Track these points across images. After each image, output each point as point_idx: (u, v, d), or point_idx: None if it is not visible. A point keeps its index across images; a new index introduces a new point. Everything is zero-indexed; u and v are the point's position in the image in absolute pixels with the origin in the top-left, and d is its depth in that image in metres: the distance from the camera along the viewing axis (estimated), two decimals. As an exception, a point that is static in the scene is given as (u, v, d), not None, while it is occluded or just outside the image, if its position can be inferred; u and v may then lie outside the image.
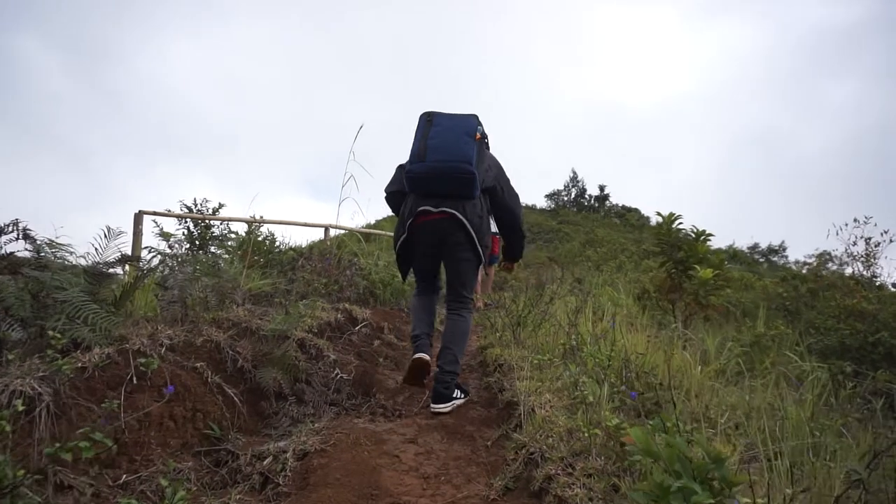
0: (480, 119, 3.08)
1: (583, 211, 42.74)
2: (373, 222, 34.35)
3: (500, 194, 3.14)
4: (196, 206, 8.13)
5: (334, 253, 5.84)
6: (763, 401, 2.73)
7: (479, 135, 2.98)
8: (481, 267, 3.21)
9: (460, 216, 2.92)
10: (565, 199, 46.70)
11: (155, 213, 6.79)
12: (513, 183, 3.25)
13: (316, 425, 2.50)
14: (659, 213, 4.24)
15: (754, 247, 38.03)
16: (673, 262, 4.24)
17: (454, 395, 2.97)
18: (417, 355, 2.93)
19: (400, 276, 3.41)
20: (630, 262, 11.36)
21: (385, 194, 3.31)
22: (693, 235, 4.17)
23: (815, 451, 2.09)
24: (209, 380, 2.45)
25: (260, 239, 9.16)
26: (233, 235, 8.53)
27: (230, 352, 2.69)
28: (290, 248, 8.74)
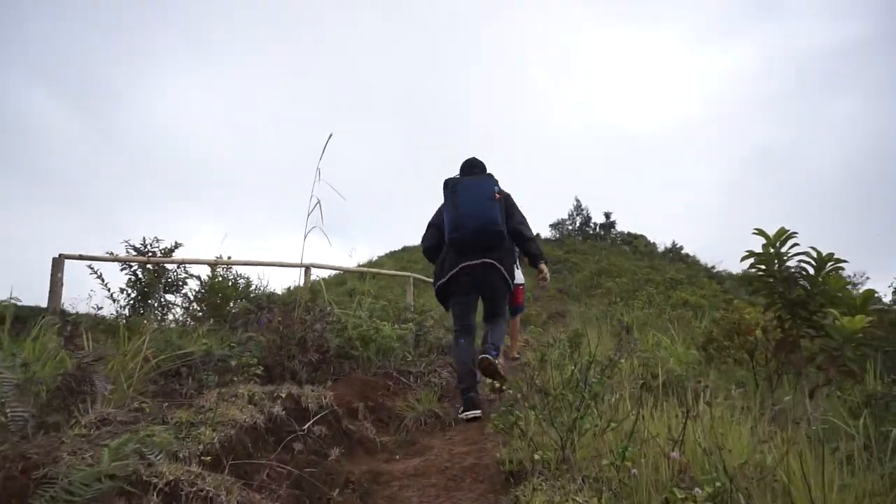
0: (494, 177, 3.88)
1: (588, 239, 41.45)
2: (375, 259, 33.15)
3: (513, 224, 3.81)
4: (146, 246, 6.75)
5: (299, 302, 4.42)
6: None
7: (497, 195, 3.70)
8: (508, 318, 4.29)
9: (496, 263, 3.68)
10: (570, 227, 45.54)
11: (81, 257, 5.41)
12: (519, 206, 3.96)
13: None
14: (760, 232, 2.82)
15: (769, 270, 36.59)
16: (784, 304, 2.83)
17: (498, 360, 3.57)
18: (470, 413, 3.43)
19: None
20: (659, 295, 9.92)
21: (423, 249, 4.08)
22: (814, 263, 2.75)
23: None
24: None
25: (229, 284, 7.79)
26: (192, 281, 7.13)
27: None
28: (265, 295, 7.35)
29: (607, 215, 43.23)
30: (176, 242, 7.06)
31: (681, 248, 40.26)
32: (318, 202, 4.49)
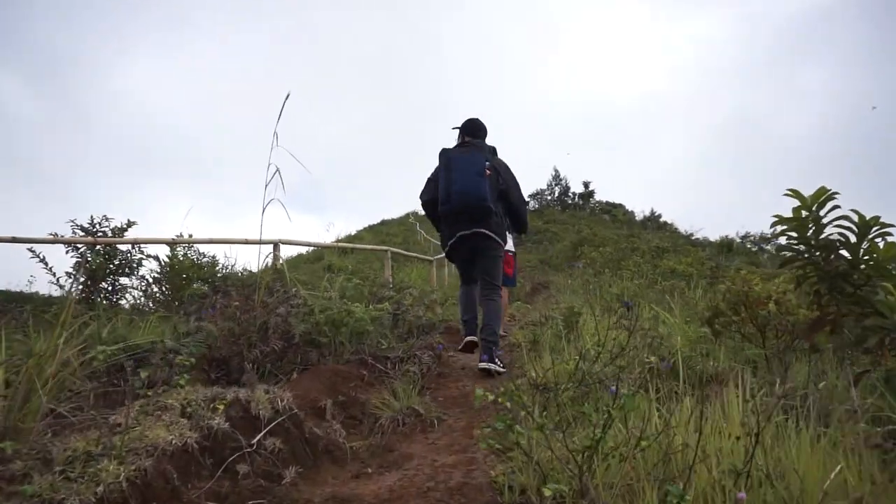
0: (487, 146, 4.33)
1: (567, 209, 41.22)
2: (353, 233, 32.51)
3: (508, 197, 4.20)
4: (94, 225, 6.14)
5: (259, 284, 3.91)
6: None
7: (488, 171, 4.01)
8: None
9: (487, 231, 4.05)
10: (548, 197, 45.24)
11: (14, 240, 4.80)
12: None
13: None
14: (795, 193, 2.36)
15: (746, 236, 36.76)
16: (820, 276, 2.40)
17: (496, 362, 3.86)
18: (469, 337, 4.08)
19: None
20: (645, 264, 9.55)
21: (421, 202, 4.45)
22: (855, 229, 2.31)
23: None
24: None
25: (191, 264, 7.22)
26: (149, 262, 6.56)
27: None
28: (222, 277, 6.81)
29: (586, 185, 43.05)
30: (129, 221, 6.46)
31: (659, 215, 40.26)
32: (277, 170, 3.97)
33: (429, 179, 4.36)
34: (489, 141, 4.47)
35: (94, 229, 6.16)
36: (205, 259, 7.50)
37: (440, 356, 3.81)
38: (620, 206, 41.97)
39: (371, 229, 34.77)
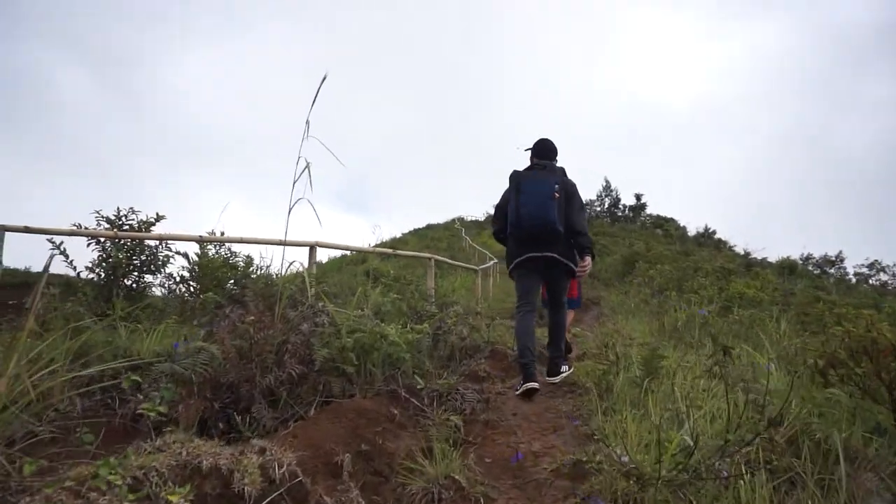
0: (558, 167, 4.28)
1: (616, 222, 39.99)
2: (398, 236, 32.17)
3: (568, 219, 4.03)
4: (119, 218, 5.74)
5: (279, 294, 3.34)
6: None
7: (556, 194, 3.94)
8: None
9: (556, 255, 4.02)
10: (598, 209, 44.08)
11: (27, 230, 4.40)
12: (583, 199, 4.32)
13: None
14: None
15: (808, 258, 34.79)
16: None
17: (562, 370, 4.14)
18: (528, 385, 3.74)
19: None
20: (712, 287, 8.66)
21: (493, 231, 4.49)
22: None
23: None
24: None
25: (222, 263, 6.77)
26: (175, 260, 6.14)
27: None
28: (252, 281, 6.33)
29: (638, 197, 41.77)
30: (158, 214, 6.04)
31: (714, 232, 38.58)
32: (308, 165, 3.41)
33: (497, 206, 4.39)
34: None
35: (120, 222, 5.75)
36: (237, 259, 7.07)
37: (488, 400, 3.15)
38: (672, 220, 40.45)
39: (416, 233, 34.41)
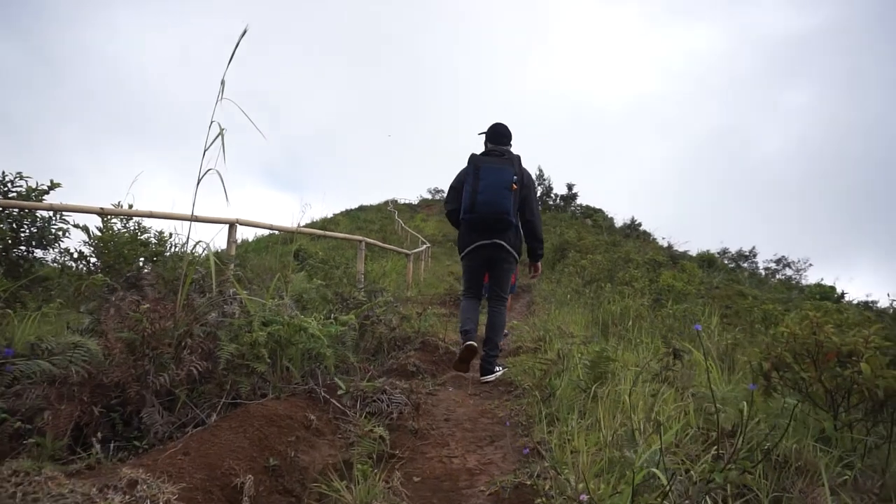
0: (515, 155, 4.21)
1: (548, 210, 40.48)
2: (329, 216, 31.27)
3: (524, 209, 4.16)
4: (4, 185, 5.03)
5: (183, 279, 2.89)
6: None
7: (514, 185, 3.99)
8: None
9: (504, 243, 4.05)
10: (530, 197, 44.25)
11: None
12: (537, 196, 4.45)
13: None
14: None
15: (724, 252, 36.40)
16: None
17: (496, 370, 4.07)
18: (468, 343, 3.93)
19: None
20: (643, 278, 8.69)
21: (446, 211, 4.39)
22: None
23: None
24: None
25: (129, 239, 6.15)
26: (74, 231, 5.50)
27: None
28: (136, 264, 5.79)
29: (570, 186, 42.34)
30: (52, 182, 5.35)
31: (639, 224, 39.73)
32: (222, 131, 2.97)
33: (452, 187, 4.33)
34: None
35: (5, 189, 5.05)
36: (148, 235, 6.45)
37: (418, 405, 2.84)
38: (601, 211, 41.31)
39: (348, 214, 33.61)
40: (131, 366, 2.59)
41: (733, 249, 36.74)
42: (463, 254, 4.19)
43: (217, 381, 2.76)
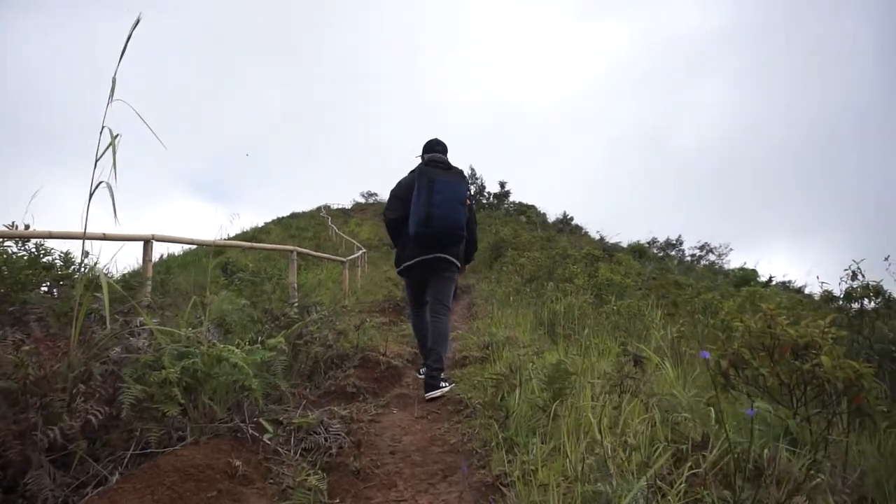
0: (465, 174, 4.29)
1: (482, 209, 40.66)
2: (260, 225, 30.13)
3: (471, 225, 4.20)
4: None
5: (77, 308, 2.46)
6: None
7: (468, 200, 4.06)
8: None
9: (452, 258, 4.04)
10: (464, 196, 44.33)
11: None
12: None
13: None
14: None
15: (653, 241, 37.55)
16: None
17: (442, 385, 3.83)
18: (433, 394, 3.75)
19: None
20: (583, 274, 8.65)
21: (386, 220, 4.28)
22: None
23: None
24: None
25: (24, 262, 5.51)
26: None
27: None
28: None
29: (502, 185, 42.65)
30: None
31: (571, 218, 40.47)
32: (116, 138, 2.58)
33: (394, 195, 4.22)
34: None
35: None
36: (50, 258, 5.82)
37: (360, 443, 2.52)
38: (534, 207, 41.81)
39: (280, 222, 32.51)
40: (12, 421, 2.18)
41: (661, 239, 37.98)
42: (402, 267, 4.11)
43: (122, 430, 2.37)
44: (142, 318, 2.71)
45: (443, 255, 3.97)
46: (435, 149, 4.26)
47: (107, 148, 2.53)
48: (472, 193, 4.72)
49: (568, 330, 5.09)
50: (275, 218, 33.88)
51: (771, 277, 17.33)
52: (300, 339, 3.97)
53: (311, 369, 4.02)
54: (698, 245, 36.61)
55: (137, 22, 2.53)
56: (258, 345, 3.04)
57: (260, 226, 29.70)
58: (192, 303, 2.97)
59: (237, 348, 2.77)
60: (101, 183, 2.44)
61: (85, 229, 2.63)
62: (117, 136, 2.56)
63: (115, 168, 2.41)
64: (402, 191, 4.15)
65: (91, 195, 2.55)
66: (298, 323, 3.97)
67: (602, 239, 32.79)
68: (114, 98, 2.50)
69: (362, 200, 42.95)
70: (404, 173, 4.28)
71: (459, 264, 4.13)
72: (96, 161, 2.50)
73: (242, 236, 22.48)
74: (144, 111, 2.54)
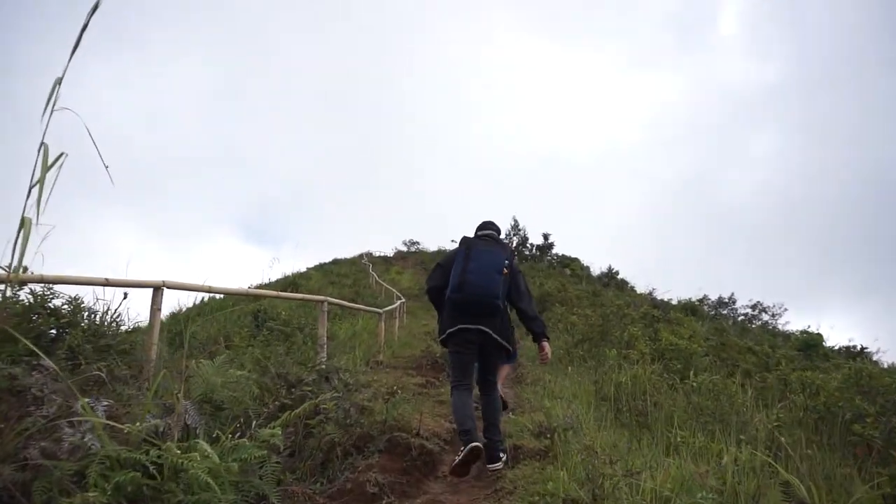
0: (510, 247, 4.32)
1: (525, 261, 39.73)
2: (302, 271, 29.89)
3: (515, 299, 3.99)
4: None
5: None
6: None
7: (506, 270, 3.90)
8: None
9: (490, 331, 3.81)
10: (507, 248, 43.56)
11: None
12: (525, 281, 4.18)
13: None
14: None
15: (703, 299, 35.72)
16: None
17: (501, 455, 3.77)
18: (473, 444, 3.51)
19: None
20: (644, 337, 7.67)
21: (427, 287, 4.29)
22: None
23: None
24: None
25: (22, 308, 4.94)
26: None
27: None
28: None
29: (546, 236, 41.72)
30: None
31: (616, 272, 39.06)
32: (62, 156, 1.94)
33: (438, 265, 4.29)
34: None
35: None
36: (58, 301, 5.26)
37: None
38: (577, 259, 40.66)
39: (321, 268, 32.23)
40: None
41: (712, 296, 36.15)
42: (445, 335, 3.94)
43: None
44: (81, 404, 1.97)
45: (485, 329, 3.78)
46: (486, 227, 4.32)
47: (51, 165, 1.88)
48: (517, 268, 4.21)
49: (636, 411, 4.17)
50: (317, 264, 33.67)
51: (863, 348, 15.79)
52: (312, 417, 3.20)
53: (324, 456, 3.23)
54: (750, 304, 34.66)
55: (96, 7, 1.90)
56: (247, 438, 2.28)
57: (302, 271, 29.41)
58: (161, 376, 2.24)
59: (212, 446, 2.01)
60: (22, 217, 1.76)
61: (15, 264, 1.95)
62: (63, 155, 1.90)
63: (41, 190, 1.74)
64: (446, 261, 4.18)
65: (20, 227, 1.88)
66: (309, 401, 3.19)
67: (652, 295, 31.31)
68: (56, 107, 1.86)
69: (404, 249, 42.63)
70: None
71: (508, 345, 3.92)
72: (30, 187, 1.84)
73: (283, 281, 22.04)
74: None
